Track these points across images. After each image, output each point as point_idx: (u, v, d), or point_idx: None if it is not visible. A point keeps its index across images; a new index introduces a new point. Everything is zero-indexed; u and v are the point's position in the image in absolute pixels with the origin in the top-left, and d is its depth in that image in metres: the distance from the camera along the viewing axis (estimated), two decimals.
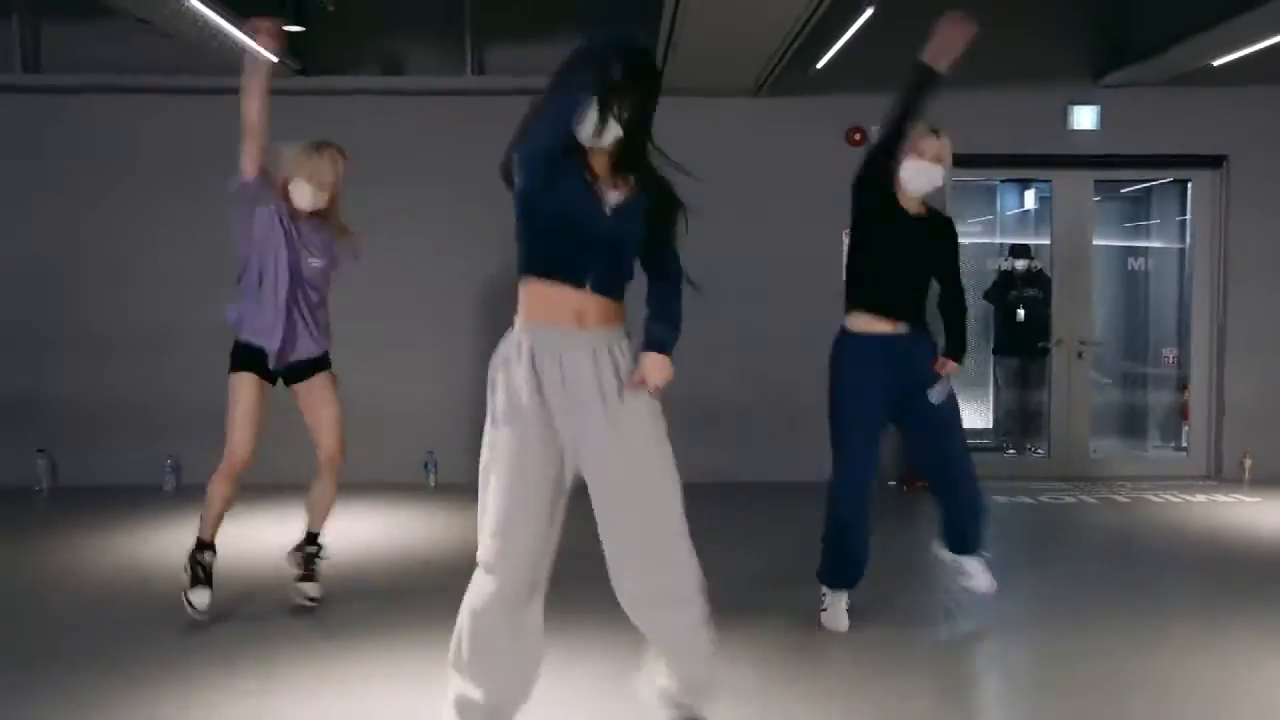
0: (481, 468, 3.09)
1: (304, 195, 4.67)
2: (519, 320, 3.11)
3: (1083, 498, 7.60)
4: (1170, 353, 9.11)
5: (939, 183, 4.57)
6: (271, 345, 4.64)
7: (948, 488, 4.70)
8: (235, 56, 7.05)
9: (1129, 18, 7.82)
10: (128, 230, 7.85)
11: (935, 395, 4.52)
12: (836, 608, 4.64)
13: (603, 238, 3.08)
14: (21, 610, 4.88)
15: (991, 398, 9.65)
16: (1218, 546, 6.33)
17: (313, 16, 7.57)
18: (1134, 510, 7.26)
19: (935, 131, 4.55)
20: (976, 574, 4.81)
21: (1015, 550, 6.34)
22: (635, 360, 3.13)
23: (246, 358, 4.66)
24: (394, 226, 7.55)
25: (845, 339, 4.57)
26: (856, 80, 7.61)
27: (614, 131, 3.04)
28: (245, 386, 4.63)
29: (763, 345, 7.97)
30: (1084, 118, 8.10)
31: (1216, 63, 7.33)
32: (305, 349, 4.74)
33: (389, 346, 7.79)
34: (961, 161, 8.07)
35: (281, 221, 4.64)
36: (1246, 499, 7.56)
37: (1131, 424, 9.66)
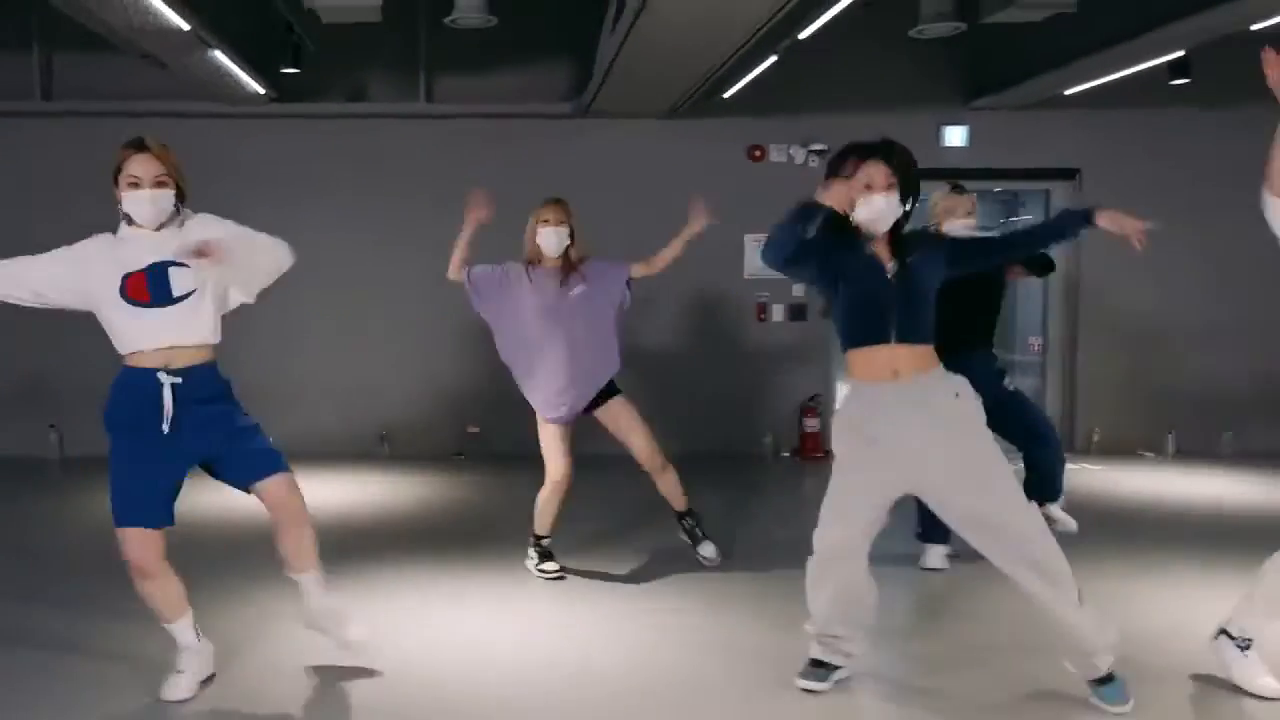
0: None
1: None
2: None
3: None
4: (1036, 341, 10.23)
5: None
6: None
7: None
8: (230, 91, 8.24)
9: (993, 54, 8.94)
10: None
11: None
12: None
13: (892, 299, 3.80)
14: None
15: None
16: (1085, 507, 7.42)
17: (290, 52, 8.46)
18: None
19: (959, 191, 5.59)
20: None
21: None
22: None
23: None
24: (355, 229, 8.73)
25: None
26: (756, 106, 8.90)
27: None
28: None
29: (668, 332, 9.21)
30: (954, 136, 9.34)
31: (1067, 91, 8.56)
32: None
33: (344, 334, 8.84)
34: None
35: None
36: (1090, 467, 8.75)
37: None
